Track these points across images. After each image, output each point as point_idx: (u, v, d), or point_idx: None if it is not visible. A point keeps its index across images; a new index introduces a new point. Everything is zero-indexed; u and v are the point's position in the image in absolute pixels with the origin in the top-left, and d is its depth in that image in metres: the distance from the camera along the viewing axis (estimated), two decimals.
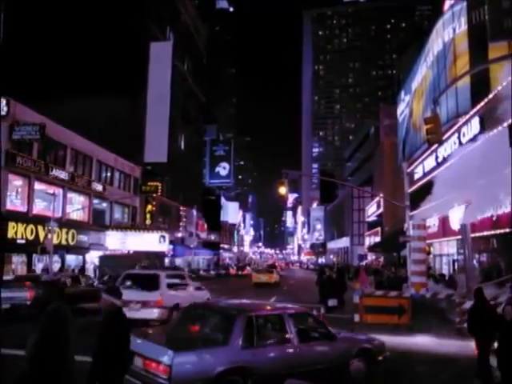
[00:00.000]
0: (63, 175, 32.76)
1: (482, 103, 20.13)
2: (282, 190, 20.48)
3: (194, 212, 63.03)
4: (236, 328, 6.99)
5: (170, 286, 15.41)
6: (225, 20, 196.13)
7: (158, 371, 6.15)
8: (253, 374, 6.73)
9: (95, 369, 4.98)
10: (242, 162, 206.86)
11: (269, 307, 9.01)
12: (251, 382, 6.73)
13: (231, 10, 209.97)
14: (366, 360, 8.38)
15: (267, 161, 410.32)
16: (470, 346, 11.41)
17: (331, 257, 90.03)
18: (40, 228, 29.35)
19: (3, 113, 27.07)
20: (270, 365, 7.08)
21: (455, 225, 21.70)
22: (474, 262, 18.53)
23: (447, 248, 26.12)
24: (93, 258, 37.26)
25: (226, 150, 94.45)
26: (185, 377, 6.23)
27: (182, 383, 6.20)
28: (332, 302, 17.82)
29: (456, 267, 23.88)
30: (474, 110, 20.96)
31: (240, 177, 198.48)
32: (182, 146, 59.54)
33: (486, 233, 19.11)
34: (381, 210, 48.24)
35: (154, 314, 13.94)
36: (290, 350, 7.51)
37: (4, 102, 27.05)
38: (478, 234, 19.67)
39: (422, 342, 12.55)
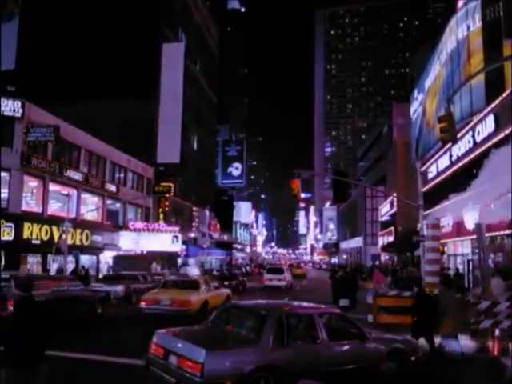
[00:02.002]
0: (77, 176, 33.08)
1: (497, 101, 19.91)
2: (296, 185, 20.42)
3: (207, 212, 63.16)
4: (267, 327, 7.13)
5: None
6: (236, 20, 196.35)
7: (192, 369, 6.37)
8: (283, 372, 6.83)
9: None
10: (254, 162, 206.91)
11: (299, 307, 9.09)
12: (281, 380, 6.81)
13: (243, 10, 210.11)
14: (398, 360, 8.31)
15: (279, 161, 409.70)
16: (485, 346, 11.32)
17: (344, 257, 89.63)
18: (54, 228, 29.66)
19: (18, 115, 27.43)
20: (300, 363, 7.14)
21: (470, 224, 21.48)
22: (489, 261, 18.31)
23: (461, 248, 25.86)
24: (107, 258, 37.55)
25: (239, 150, 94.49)
26: (217, 374, 6.41)
27: (214, 380, 6.37)
28: (343, 302, 17.70)
29: (471, 267, 23.63)
30: (489, 107, 20.74)
31: (252, 177, 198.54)
32: (195, 147, 59.74)
33: (501, 232, 18.88)
34: (394, 209, 47.91)
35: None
36: (320, 349, 7.55)
37: (19, 104, 27.43)
38: (493, 234, 19.47)
39: (437, 342, 12.42)
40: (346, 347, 7.95)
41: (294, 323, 7.95)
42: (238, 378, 6.47)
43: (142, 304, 16.49)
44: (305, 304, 9.58)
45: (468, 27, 24.58)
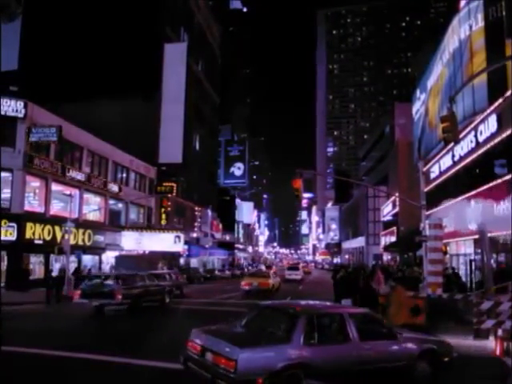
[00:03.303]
0: (80, 176, 33.14)
1: (500, 101, 19.86)
2: (298, 184, 20.39)
3: (209, 212, 63.25)
4: (298, 326, 7.38)
5: None
6: (238, 20, 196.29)
7: (226, 365, 6.73)
8: (313, 370, 7.07)
9: None
10: (256, 162, 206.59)
11: (330, 307, 9.35)
12: (312, 378, 7.04)
13: (245, 10, 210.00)
14: (430, 361, 8.31)
15: (282, 161, 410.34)
16: (487, 346, 11.29)
17: (346, 256, 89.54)
18: (57, 228, 29.74)
19: (21, 115, 27.50)
20: (330, 362, 7.34)
21: (472, 224, 21.44)
22: (492, 261, 18.27)
23: (464, 248, 25.80)
24: (109, 258, 37.61)
25: (241, 150, 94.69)
26: (249, 370, 6.70)
27: (247, 376, 6.65)
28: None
29: (473, 267, 23.58)
30: (492, 107, 20.68)
31: (254, 177, 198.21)
32: (197, 147, 59.79)
33: (504, 232, 18.83)
34: (396, 209, 47.85)
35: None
36: (350, 348, 7.68)
37: (22, 104, 27.50)
38: (495, 234, 19.41)
39: None
40: (377, 347, 8.01)
41: (325, 323, 8.14)
42: (269, 375, 6.74)
43: (243, 284, 29.16)
44: (337, 304, 9.81)
45: (470, 27, 24.52)
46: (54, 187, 30.97)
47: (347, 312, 8.25)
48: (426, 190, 22.00)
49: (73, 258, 29.38)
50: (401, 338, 8.31)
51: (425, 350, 8.35)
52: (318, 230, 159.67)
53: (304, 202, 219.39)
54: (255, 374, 6.69)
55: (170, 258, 44.17)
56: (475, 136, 22.63)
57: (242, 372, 6.58)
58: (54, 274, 25.17)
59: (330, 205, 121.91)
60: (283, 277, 41.57)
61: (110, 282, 18.83)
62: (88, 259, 34.13)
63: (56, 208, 31.70)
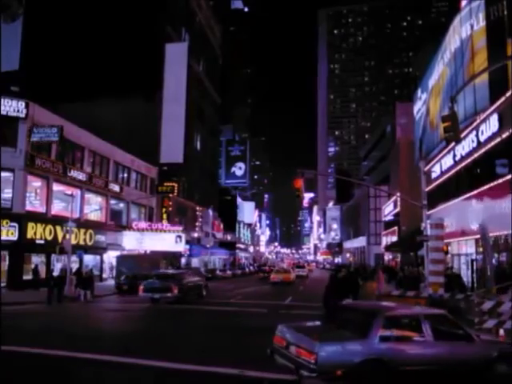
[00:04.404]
0: (81, 176, 33.17)
1: (501, 100, 19.84)
2: (299, 184, 20.40)
3: (210, 212, 63.25)
4: (375, 324, 7.87)
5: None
6: (240, 20, 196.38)
7: (308, 357, 7.36)
8: (389, 365, 7.51)
9: None
10: (257, 162, 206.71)
11: (406, 308, 9.66)
12: (387, 373, 7.46)
13: (246, 10, 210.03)
14: (508, 364, 8.33)
15: (283, 161, 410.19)
16: None
17: (347, 256, 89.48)
18: (58, 228, 29.78)
19: (22, 115, 27.52)
20: (404, 359, 7.72)
21: (474, 224, 21.44)
22: (493, 261, 18.25)
23: (465, 247, 25.78)
24: (110, 257, 37.64)
25: (242, 150, 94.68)
26: (329, 363, 7.30)
27: (326, 368, 7.27)
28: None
29: (475, 267, 23.56)
30: (493, 107, 20.66)
31: (256, 177, 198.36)
32: (198, 147, 59.79)
33: (505, 232, 18.81)
34: (397, 209, 47.81)
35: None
36: (425, 348, 7.97)
37: (23, 104, 27.52)
38: (496, 234, 19.40)
39: None
40: (452, 347, 8.19)
41: (401, 322, 8.57)
42: (347, 368, 7.31)
43: (272, 278, 38.88)
44: (412, 306, 10.29)
45: (472, 26, 24.49)
46: (56, 187, 31.00)
47: (423, 313, 8.60)
48: (427, 189, 21.99)
49: (74, 258, 29.37)
50: (478, 339, 8.43)
51: (503, 353, 8.40)
52: (320, 229, 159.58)
53: (305, 202, 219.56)
54: (334, 366, 7.31)
55: (172, 257, 44.20)
56: (476, 136, 22.61)
57: (322, 364, 7.20)
58: (55, 273, 25.20)
59: (331, 204, 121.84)
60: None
61: (167, 279, 22.81)
62: (89, 259, 34.14)
63: (57, 208, 31.73)
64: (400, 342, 7.98)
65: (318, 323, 9.35)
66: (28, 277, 28.09)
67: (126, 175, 41.34)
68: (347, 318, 8.96)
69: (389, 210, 53.63)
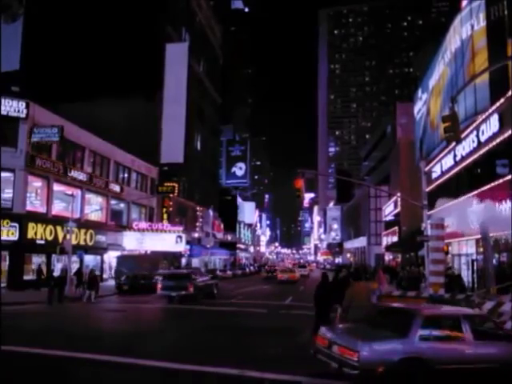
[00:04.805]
0: (81, 176, 33.17)
1: (502, 100, 19.84)
2: (299, 184, 20.42)
3: (211, 212, 63.24)
4: (415, 324, 8.12)
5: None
6: (240, 20, 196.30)
7: (350, 356, 7.74)
8: (428, 364, 7.73)
9: None
10: (258, 162, 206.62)
11: (446, 309, 9.89)
12: (427, 371, 7.67)
13: (246, 10, 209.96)
14: None
15: (283, 161, 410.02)
16: None
17: (348, 256, 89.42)
18: (59, 229, 29.77)
19: (23, 115, 27.53)
20: (444, 358, 7.90)
21: (474, 224, 21.40)
22: (494, 261, 18.26)
23: (466, 248, 25.76)
24: (111, 258, 37.64)
25: (242, 150, 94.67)
26: (370, 361, 7.64)
27: (368, 365, 7.60)
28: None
29: (475, 267, 23.55)
30: (494, 107, 20.65)
31: (256, 177, 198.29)
32: (199, 147, 59.77)
33: (506, 232, 18.79)
34: (398, 209, 47.76)
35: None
36: (464, 347, 8.13)
37: (23, 104, 27.52)
38: (497, 234, 19.39)
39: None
40: (492, 347, 8.31)
41: (440, 322, 8.75)
42: (388, 366, 7.59)
43: (279, 276, 42.42)
44: (452, 307, 10.35)
45: (472, 26, 24.49)
46: (56, 187, 31.00)
47: (462, 313, 8.78)
48: (427, 189, 22.00)
49: (74, 258, 29.37)
50: None
51: None
52: (320, 229, 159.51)
53: (305, 202, 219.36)
54: (375, 363, 7.62)
55: (172, 257, 44.20)
56: (477, 136, 22.60)
57: (363, 361, 7.55)
58: (56, 273, 25.20)
59: (331, 205, 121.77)
60: None
61: (182, 279, 24.41)
62: (90, 259, 34.14)
63: (58, 208, 31.73)
64: (439, 342, 8.17)
65: (356, 324, 9.68)
66: (29, 277, 28.14)
67: (126, 175, 41.34)
68: (386, 318, 9.32)
69: (389, 210, 53.59)
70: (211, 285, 27.10)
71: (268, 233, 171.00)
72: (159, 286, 24.32)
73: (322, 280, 13.43)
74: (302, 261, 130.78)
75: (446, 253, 22.67)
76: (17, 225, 26.82)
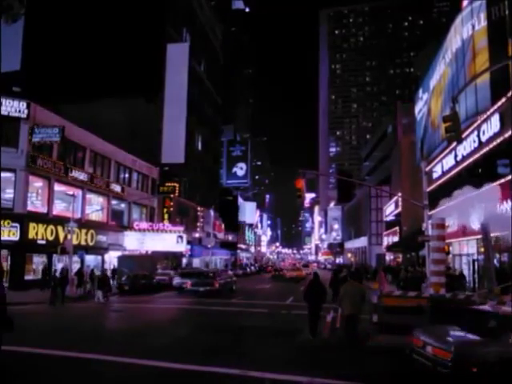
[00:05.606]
0: (82, 176, 33.19)
1: (503, 100, 19.81)
2: (300, 184, 20.47)
3: (212, 212, 63.27)
4: (509, 326, 8.37)
5: None
6: (241, 20, 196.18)
7: (444, 356, 8.12)
8: None
9: None
10: (258, 162, 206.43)
11: None
12: None
13: (247, 10, 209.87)
14: None
15: (284, 161, 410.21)
16: None
17: (349, 256, 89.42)
18: (60, 229, 29.80)
19: (24, 115, 27.56)
20: None
21: (475, 224, 21.40)
22: (495, 261, 18.23)
23: (467, 248, 25.74)
24: (112, 258, 37.65)
25: (243, 151, 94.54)
26: (464, 361, 7.83)
27: (461, 365, 7.81)
28: None
29: (476, 267, 23.52)
30: (494, 107, 20.63)
31: (257, 177, 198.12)
32: (199, 147, 59.80)
33: (506, 232, 18.76)
34: (399, 209, 47.75)
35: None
36: None
37: (24, 104, 27.56)
38: (498, 234, 19.36)
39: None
40: None
41: None
42: (482, 366, 7.72)
43: (288, 275, 46.53)
44: None
45: (473, 26, 24.46)
46: (57, 187, 31.03)
47: None
48: (428, 189, 21.98)
49: (75, 258, 29.42)
50: None
51: None
52: (321, 229, 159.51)
53: (306, 202, 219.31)
54: (469, 364, 7.78)
55: (173, 258, 44.22)
56: (478, 136, 22.57)
57: (456, 362, 7.83)
58: (56, 274, 25.20)
59: (332, 205, 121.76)
60: None
61: (208, 276, 28.20)
62: (91, 259, 34.17)
63: (59, 208, 31.76)
64: None
65: (447, 326, 9.82)
66: (29, 277, 28.16)
67: (127, 175, 41.37)
68: (478, 320, 9.42)
69: (390, 210, 53.57)
70: (231, 282, 31.05)
71: (269, 233, 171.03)
72: (189, 282, 27.59)
73: (314, 278, 13.61)
74: (296, 260, 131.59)
75: (447, 253, 22.65)
76: (18, 225, 26.86)
